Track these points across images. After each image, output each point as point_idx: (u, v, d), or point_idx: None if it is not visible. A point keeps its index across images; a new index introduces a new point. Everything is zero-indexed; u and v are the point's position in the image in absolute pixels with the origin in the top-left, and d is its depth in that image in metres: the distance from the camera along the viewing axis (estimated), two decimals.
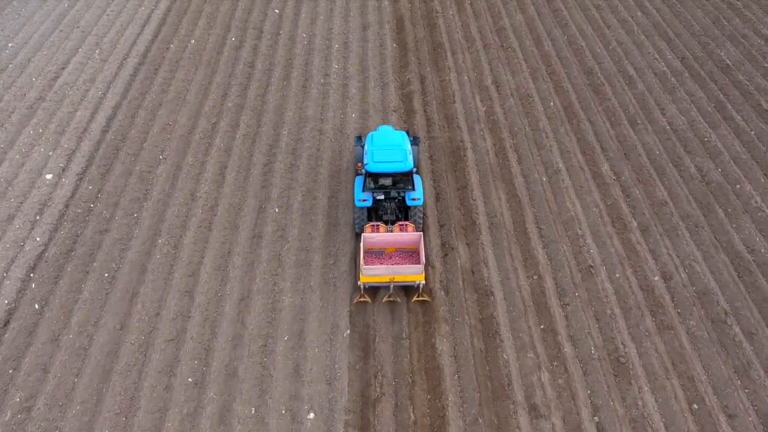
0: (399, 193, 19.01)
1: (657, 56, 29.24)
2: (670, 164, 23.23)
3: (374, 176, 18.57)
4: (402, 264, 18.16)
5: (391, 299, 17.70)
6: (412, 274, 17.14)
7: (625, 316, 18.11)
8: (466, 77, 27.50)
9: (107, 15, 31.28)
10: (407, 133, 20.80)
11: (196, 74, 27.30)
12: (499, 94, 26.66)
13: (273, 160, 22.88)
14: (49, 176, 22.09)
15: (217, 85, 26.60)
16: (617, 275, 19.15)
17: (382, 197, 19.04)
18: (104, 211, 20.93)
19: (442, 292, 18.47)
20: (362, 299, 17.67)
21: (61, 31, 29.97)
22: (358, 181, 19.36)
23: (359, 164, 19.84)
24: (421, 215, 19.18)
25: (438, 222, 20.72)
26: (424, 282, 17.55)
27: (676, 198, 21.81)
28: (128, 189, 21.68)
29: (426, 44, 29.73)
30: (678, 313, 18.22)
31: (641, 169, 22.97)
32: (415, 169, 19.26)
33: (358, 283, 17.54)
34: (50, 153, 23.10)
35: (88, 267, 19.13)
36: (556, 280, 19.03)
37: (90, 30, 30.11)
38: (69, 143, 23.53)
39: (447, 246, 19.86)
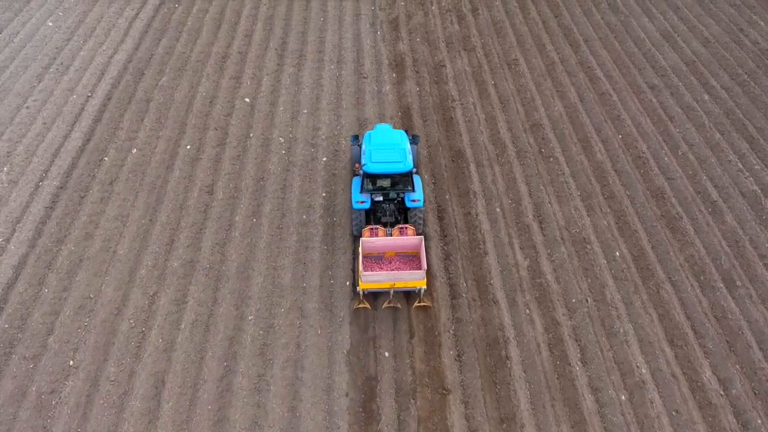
0: (398, 194, 18.39)
1: (740, 165, 22.45)
2: None
3: (372, 177, 17.96)
4: (402, 269, 17.41)
5: (392, 305, 17.03)
6: (414, 280, 16.45)
7: None
8: (498, 209, 20.54)
9: (27, 108, 24.08)
10: (406, 131, 20.04)
11: (134, 207, 20.20)
12: (544, 236, 19.74)
13: (233, 369, 15.87)
14: None
15: (161, 228, 19.51)
16: None
17: (381, 199, 18.41)
18: None
19: None
20: (361, 305, 16.94)
21: None
22: (356, 182, 18.71)
23: (357, 165, 18.94)
24: (422, 217, 18.50)
25: None
26: (425, 287, 16.77)
27: None
28: (16, 429, 14.64)
29: (442, 152, 22.72)
30: None
31: (755, 374, 16.18)
32: (414, 170, 18.57)
33: (357, 289, 16.87)
34: None
35: None
36: None
37: (0, 134, 22.92)
38: None
39: None
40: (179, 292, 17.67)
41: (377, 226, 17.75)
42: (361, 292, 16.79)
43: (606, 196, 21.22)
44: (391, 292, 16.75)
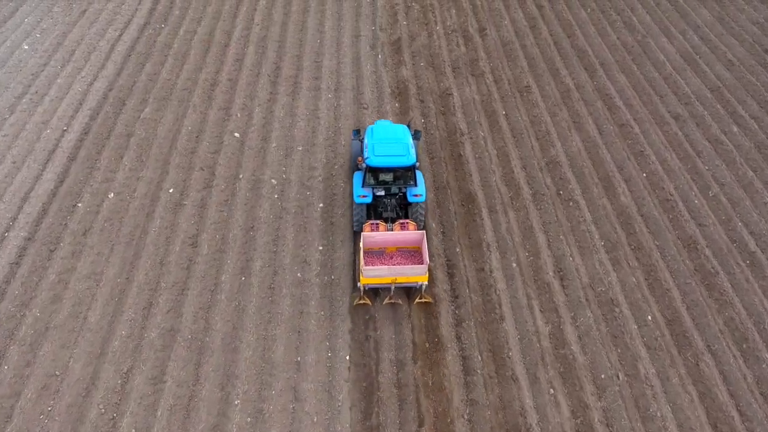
0: (400, 189, 18.30)
1: None
2: None
3: (375, 171, 17.86)
4: (404, 264, 17.17)
5: (392, 301, 16.90)
6: (416, 275, 16.29)
7: None
8: (514, 263, 18.51)
9: None
10: (408, 126, 19.85)
11: (108, 263, 18.12)
12: (566, 296, 17.71)
13: None
14: None
15: (138, 289, 17.44)
16: None
17: (383, 193, 18.31)
18: None
19: None
20: (362, 302, 16.80)
21: None
22: (357, 176, 18.60)
23: (359, 158, 18.69)
24: (423, 212, 18.46)
25: None
26: (426, 283, 16.62)
27: None
28: None
29: (451, 195, 20.67)
30: None
31: None
32: (417, 164, 18.20)
33: (358, 284, 16.71)
34: None
35: None
36: None
37: None
38: None
39: None
40: (156, 368, 15.59)
41: (378, 222, 17.64)
42: (361, 288, 16.58)
43: (633, 246, 19.19)
44: (392, 287, 16.62)
